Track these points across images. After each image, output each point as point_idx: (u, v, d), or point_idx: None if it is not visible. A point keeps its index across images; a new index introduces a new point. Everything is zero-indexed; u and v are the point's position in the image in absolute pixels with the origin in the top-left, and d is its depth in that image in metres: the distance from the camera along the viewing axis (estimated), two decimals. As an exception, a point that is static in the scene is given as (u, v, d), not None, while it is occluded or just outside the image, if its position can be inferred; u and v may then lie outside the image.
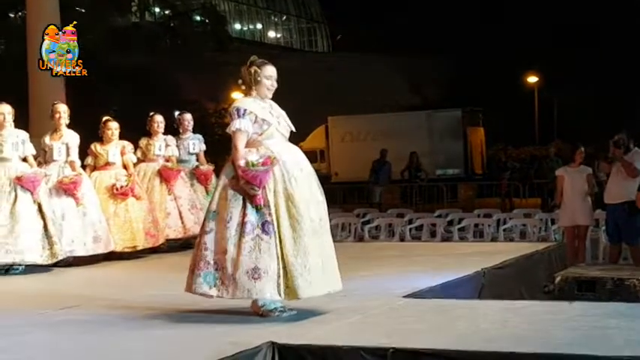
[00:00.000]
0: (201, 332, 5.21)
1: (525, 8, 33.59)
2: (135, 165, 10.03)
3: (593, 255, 11.49)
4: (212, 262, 5.46)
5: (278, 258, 5.43)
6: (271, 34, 40.26)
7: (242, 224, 5.43)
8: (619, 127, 11.04)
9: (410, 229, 13.18)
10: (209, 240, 5.50)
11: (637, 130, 12.98)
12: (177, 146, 10.64)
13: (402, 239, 12.61)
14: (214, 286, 5.46)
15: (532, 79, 33.40)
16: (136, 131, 10.76)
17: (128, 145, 9.85)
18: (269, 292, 5.42)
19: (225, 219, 5.46)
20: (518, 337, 4.85)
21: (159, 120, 10.49)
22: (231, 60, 25.49)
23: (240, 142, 5.60)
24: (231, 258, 5.40)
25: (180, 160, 10.63)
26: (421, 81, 39.05)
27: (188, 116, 11.04)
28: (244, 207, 5.47)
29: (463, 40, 35.36)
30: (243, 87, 5.80)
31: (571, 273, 7.98)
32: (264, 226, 5.45)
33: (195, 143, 10.87)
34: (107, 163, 9.68)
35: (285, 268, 5.44)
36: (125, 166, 9.75)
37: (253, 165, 5.47)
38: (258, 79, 5.74)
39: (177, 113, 11.26)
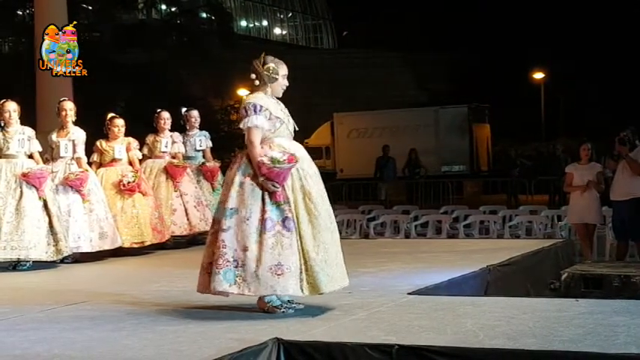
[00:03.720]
0: (207, 328, 5.21)
1: (532, 4, 33.54)
2: (141, 162, 10.06)
3: (600, 252, 11.47)
4: (232, 259, 5.45)
5: (299, 253, 5.45)
6: (277, 30, 40.25)
7: (262, 221, 5.43)
8: (625, 124, 11.01)
9: (415, 226, 13.18)
10: (228, 238, 5.47)
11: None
12: (184, 143, 10.66)
13: (407, 236, 12.62)
14: (234, 283, 5.44)
15: (538, 75, 33.33)
16: (142, 128, 10.78)
17: (134, 142, 9.87)
18: (292, 288, 5.43)
19: (245, 216, 5.45)
20: (523, 334, 4.85)
21: (165, 117, 10.51)
22: (237, 57, 25.51)
23: (257, 138, 5.57)
24: (254, 255, 5.40)
25: (186, 157, 10.65)
26: (427, 77, 38.99)
27: (195, 113, 11.05)
28: (264, 203, 5.47)
29: (470, 36, 35.33)
30: (257, 82, 5.74)
31: (577, 270, 7.98)
32: (284, 222, 5.46)
33: (202, 140, 10.88)
34: (113, 160, 9.71)
35: (306, 263, 5.47)
36: (131, 163, 9.77)
37: (279, 162, 5.47)
38: (275, 76, 5.76)
39: (183, 110, 11.27)
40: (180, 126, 10.93)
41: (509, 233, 12.45)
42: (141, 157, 10.05)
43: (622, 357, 4.26)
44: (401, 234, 13.05)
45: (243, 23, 37.41)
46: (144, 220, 9.51)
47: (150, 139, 10.47)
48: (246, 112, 5.62)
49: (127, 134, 9.86)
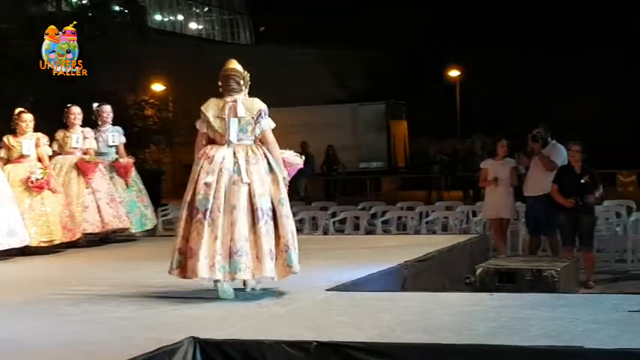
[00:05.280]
0: (122, 328, 5.10)
1: (447, 3, 33.95)
2: (51, 158, 9.79)
3: (513, 247, 11.68)
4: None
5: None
6: (192, 25, 39.76)
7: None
8: (538, 122, 11.21)
9: (333, 222, 13.18)
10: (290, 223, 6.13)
11: (555, 124, 13.22)
12: (96, 138, 10.43)
13: (325, 232, 12.61)
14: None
15: (454, 73, 33.79)
16: (52, 123, 10.50)
17: (43, 138, 9.61)
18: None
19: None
20: (439, 328, 4.88)
21: (76, 112, 10.26)
22: (151, 51, 25.12)
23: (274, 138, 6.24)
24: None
25: (99, 153, 10.42)
26: (345, 74, 39.14)
27: (107, 108, 10.83)
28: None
29: (387, 33, 35.55)
30: (244, 87, 6.25)
31: (492, 265, 8.07)
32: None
33: (115, 135, 10.68)
34: (21, 156, 9.44)
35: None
36: (40, 159, 9.51)
37: (300, 159, 6.48)
38: (249, 83, 6.30)
39: (95, 105, 11.03)
40: (92, 121, 10.69)
41: (425, 229, 12.56)
42: (51, 154, 9.78)
43: (534, 349, 4.32)
44: (319, 230, 13.03)
45: (158, 17, 36.83)
46: (53, 218, 9.27)
47: (60, 134, 10.21)
48: (265, 114, 6.15)
49: (36, 130, 9.59)
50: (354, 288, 6.48)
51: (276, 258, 5.98)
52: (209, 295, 6.15)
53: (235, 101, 6.15)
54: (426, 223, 12.77)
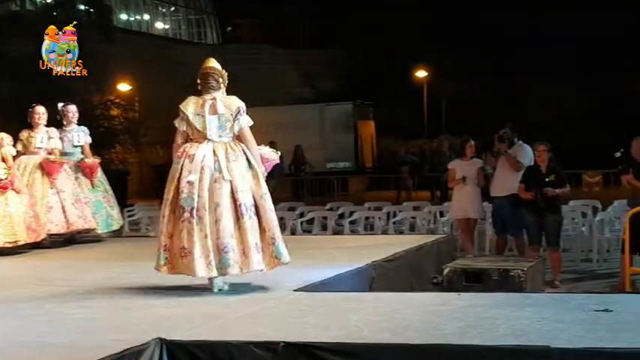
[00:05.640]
0: (86, 328, 5.05)
1: (415, 3, 34.05)
2: (15, 158, 9.67)
3: (480, 247, 11.74)
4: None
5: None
6: (159, 25, 39.48)
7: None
8: (505, 122, 11.28)
9: (301, 223, 13.17)
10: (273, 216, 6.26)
11: (522, 124, 13.33)
12: (61, 138, 10.33)
13: (293, 233, 12.58)
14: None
15: (421, 73, 33.91)
16: (17, 123, 10.37)
17: (6, 138, 9.50)
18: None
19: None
20: (407, 328, 4.88)
21: (40, 111, 10.15)
22: (117, 51, 24.95)
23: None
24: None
25: (64, 153, 10.32)
26: (313, 74, 39.16)
27: (72, 108, 10.73)
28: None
29: (355, 33, 35.60)
30: (222, 85, 6.40)
31: (459, 264, 8.12)
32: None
33: (80, 135, 10.58)
34: (-16, 157, 9.32)
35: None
36: (4, 159, 9.38)
37: (276, 155, 6.73)
38: (227, 81, 6.45)
39: (60, 105, 10.92)
40: (57, 121, 10.58)
41: (393, 229, 12.59)
42: (15, 154, 9.66)
43: (501, 349, 4.34)
44: (287, 231, 12.98)
45: (124, 16, 36.54)
46: (17, 219, 9.16)
47: (24, 134, 10.09)
48: (243, 112, 6.32)
49: (0, 129, 9.47)
50: (322, 288, 6.47)
51: (263, 251, 6.14)
52: (176, 295, 6.14)
53: (215, 99, 6.29)
54: (394, 223, 12.80)
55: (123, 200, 15.61)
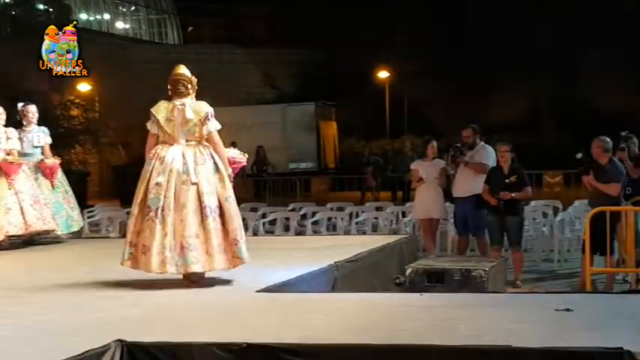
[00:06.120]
0: (46, 330, 4.99)
1: (376, 3, 34.14)
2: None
3: (442, 247, 11.79)
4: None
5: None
6: (119, 24, 39.15)
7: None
8: (467, 123, 11.34)
9: (263, 223, 13.13)
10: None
11: (485, 124, 13.42)
12: (21, 139, 10.18)
13: (255, 233, 12.54)
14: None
15: (383, 74, 34.01)
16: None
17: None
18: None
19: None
20: (369, 329, 4.88)
21: (-2, 112, 9.99)
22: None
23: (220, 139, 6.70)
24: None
25: (23, 154, 10.17)
26: (275, 75, 39.11)
27: (32, 108, 10.59)
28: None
29: (317, 33, 35.61)
30: (189, 91, 6.69)
31: (421, 265, 8.13)
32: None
33: (40, 136, 10.45)
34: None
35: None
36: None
37: (243, 157, 7.02)
38: (197, 87, 6.76)
39: (20, 105, 10.76)
40: (16, 121, 10.44)
41: (356, 230, 12.60)
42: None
43: (463, 349, 4.35)
44: (249, 231, 12.93)
45: (83, 16, 36.18)
46: (-26, 220, 9.02)
47: (-19, 135, 9.93)
48: (211, 117, 6.61)
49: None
50: (285, 289, 6.45)
51: (226, 251, 6.43)
52: (137, 297, 6.10)
53: (184, 104, 6.62)
54: (356, 223, 12.81)
55: (83, 201, 15.47)
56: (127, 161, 33.37)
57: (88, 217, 13.60)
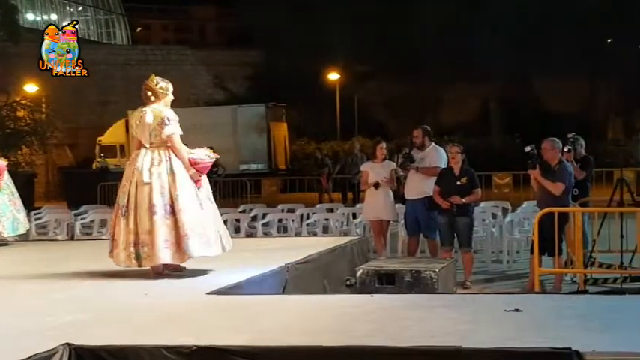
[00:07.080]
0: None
1: (329, 6, 34.15)
2: None
3: (393, 248, 11.82)
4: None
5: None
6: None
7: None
8: (417, 124, 11.39)
9: (214, 225, 13.02)
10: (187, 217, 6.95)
11: (435, 125, 13.51)
12: (-35, 140, 10.01)
13: (205, 235, 12.45)
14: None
15: (334, 76, 34.06)
16: None
17: None
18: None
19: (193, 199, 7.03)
20: (320, 330, 4.88)
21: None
22: (23, 51, 24.33)
23: (180, 142, 7.17)
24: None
25: (-32, 155, 9.99)
26: (224, 76, 38.98)
27: (-23, 109, 10.41)
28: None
29: (268, 35, 35.54)
30: (153, 98, 7.22)
31: (372, 266, 8.13)
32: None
33: (-14, 137, 10.28)
34: None
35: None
36: None
37: (209, 157, 7.25)
38: (167, 93, 7.33)
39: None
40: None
41: (306, 231, 12.58)
42: None
43: (413, 350, 4.36)
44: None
45: (30, 16, 35.68)
46: None
47: None
48: (168, 121, 7.11)
49: None
50: (235, 291, 6.42)
51: (171, 246, 6.87)
52: (84, 299, 6.04)
53: (145, 110, 7.19)
54: (307, 225, 12.79)
55: (29, 203, 15.23)
56: (74, 163, 33.00)
57: (35, 220, 13.39)
